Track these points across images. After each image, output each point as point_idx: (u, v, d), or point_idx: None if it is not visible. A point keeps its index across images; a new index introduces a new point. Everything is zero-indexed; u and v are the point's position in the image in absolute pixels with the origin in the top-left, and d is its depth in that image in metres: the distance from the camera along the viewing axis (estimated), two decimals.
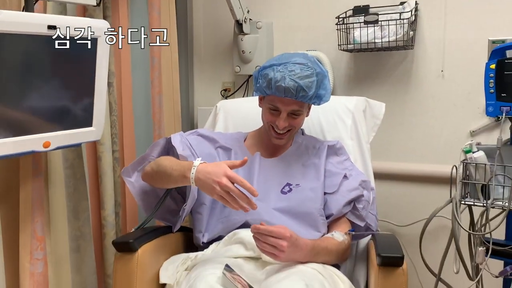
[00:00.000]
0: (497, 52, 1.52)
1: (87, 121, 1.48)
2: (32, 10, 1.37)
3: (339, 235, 1.57)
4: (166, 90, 2.12)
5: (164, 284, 1.56)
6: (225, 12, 2.31)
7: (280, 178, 1.68)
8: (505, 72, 1.49)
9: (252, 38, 2.36)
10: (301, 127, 1.85)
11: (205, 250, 1.61)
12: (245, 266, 1.44)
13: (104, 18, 1.78)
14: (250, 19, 2.35)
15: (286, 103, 1.60)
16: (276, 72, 1.57)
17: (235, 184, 1.39)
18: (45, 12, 1.54)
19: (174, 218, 1.71)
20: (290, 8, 2.36)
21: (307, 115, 1.72)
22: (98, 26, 1.43)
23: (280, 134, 1.66)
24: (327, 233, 1.61)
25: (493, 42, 1.94)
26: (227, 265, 1.35)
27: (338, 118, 1.92)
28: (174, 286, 1.51)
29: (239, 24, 2.33)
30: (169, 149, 1.72)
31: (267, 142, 1.75)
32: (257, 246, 1.39)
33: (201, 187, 1.45)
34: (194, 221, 1.69)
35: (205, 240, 1.64)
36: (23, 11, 1.38)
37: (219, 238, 1.62)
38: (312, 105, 1.72)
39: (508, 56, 1.51)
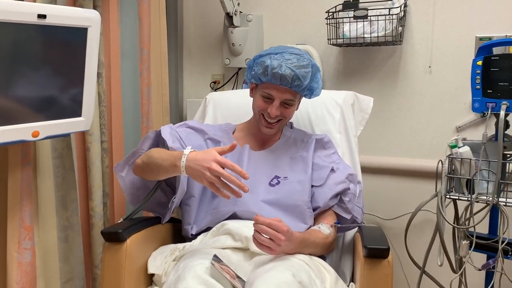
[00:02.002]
0: (484, 49, 1.54)
1: (76, 111, 1.48)
2: None
3: (325, 228, 1.59)
4: (155, 82, 2.12)
5: (152, 275, 1.57)
6: (215, 4, 2.32)
7: (269, 171, 1.69)
8: (491, 69, 1.51)
9: (242, 31, 2.36)
10: (290, 121, 1.86)
11: (193, 241, 1.62)
12: (233, 257, 1.45)
13: (94, 8, 1.77)
14: (240, 11, 2.35)
15: (281, 91, 1.62)
16: (273, 60, 1.61)
17: (225, 169, 1.40)
18: (35, 0, 1.53)
19: (163, 210, 1.72)
20: (280, 1, 2.37)
21: (296, 109, 1.73)
22: (88, 15, 1.42)
23: (271, 124, 1.68)
24: (314, 226, 1.63)
25: (480, 39, 1.97)
26: (215, 256, 1.36)
27: (326, 112, 1.94)
28: (162, 276, 1.52)
29: (229, 17, 2.33)
30: (159, 142, 1.73)
31: (256, 134, 1.76)
32: (254, 239, 1.39)
33: (191, 175, 1.45)
34: (183, 213, 1.70)
35: (193, 232, 1.65)
36: None
37: (207, 229, 1.63)
38: (302, 100, 1.74)
39: (494, 53, 1.54)
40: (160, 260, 1.57)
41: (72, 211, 1.68)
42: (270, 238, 1.38)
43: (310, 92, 1.69)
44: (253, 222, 1.40)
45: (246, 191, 1.40)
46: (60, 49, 1.39)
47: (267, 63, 1.61)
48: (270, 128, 1.69)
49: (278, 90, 1.62)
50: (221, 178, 1.39)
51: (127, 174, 1.71)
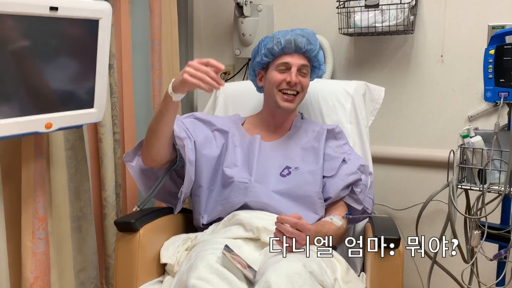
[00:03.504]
0: (497, 38, 1.52)
1: (88, 103, 1.49)
2: None
3: (337, 220, 1.59)
4: (166, 73, 2.13)
5: (165, 264, 1.59)
6: None
7: (280, 161, 1.69)
8: (504, 58, 1.49)
9: (253, 21, 2.35)
10: (300, 112, 1.86)
11: (204, 231, 1.63)
12: (244, 247, 1.46)
13: None
14: (250, 1, 2.34)
15: (296, 57, 1.69)
16: (282, 32, 1.70)
17: None
18: None
19: (174, 200, 1.73)
20: None
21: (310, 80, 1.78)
22: (99, 7, 1.43)
23: (290, 96, 1.69)
24: (326, 217, 1.63)
25: (493, 27, 1.95)
26: (226, 246, 1.37)
27: (337, 102, 1.93)
28: (174, 265, 1.54)
29: (239, 7, 2.32)
30: None
31: (268, 125, 1.77)
32: (275, 237, 1.38)
33: (176, 86, 1.47)
34: (193, 203, 1.72)
35: (204, 221, 1.66)
36: None
37: (219, 219, 1.64)
38: (310, 86, 1.76)
39: (507, 41, 1.52)
40: (173, 249, 1.59)
41: (85, 201, 1.70)
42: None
43: (319, 64, 1.76)
44: (264, 212, 1.41)
45: (222, 84, 1.42)
46: (72, 41, 1.39)
47: (277, 36, 1.69)
48: (289, 102, 1.71)
49: (293, 57, 1.69)
50: (196, 70, 1.41)
51: (137, 163, 1.73)
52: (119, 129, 1.91)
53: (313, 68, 1.75)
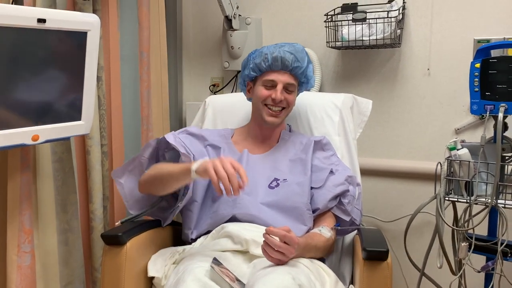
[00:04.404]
0: (482, 52, 1.55)
1: (76, 115, 1.49)
2: (21, 3, 1.37)
3: (326, 231, 1.59)
4: (154, 85, 2.13)
5: (152, 277, 1.57)
6: (214, 7, 2.32)
7: (268, 173, 1.69)
8: (490, 72, 1.52)
9: (241, 34, 2.37)
10: (289, 124, 1.87)
11: (193, 243, 1.63)
12: (233, 260, 1.45)
13: (94, 12, 1.78)
14: (239, 15, 2.35)
15: (282, 74, 1.69)
16: (271, 48, 1.70)
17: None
18: (34, 5, 1.54)
19: (163, 214, 1.72)
20: (279, 4, 2.37)
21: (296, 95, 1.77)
22: (87, 20, 1.43)
23: (275, 112, 1.70)
24: (314, 228, 1.63)
25: (478, 41, 1.98)
26: (215, 259, 1.37)
27: (325, 115, 1.94)
28: (162, 279, 1.53)
29: (228, 20, 2.34)
30: (159, 149, 1.73)
31: (256, 137, 1.77)
32: (264, 252, 1.38)
33: (200, 171, 1.43)
34: (184, 217, 1.70)
35: (193, 236, 1.66)
36: (12, 4, 1.38)
37: (207, 232, 1.63)
38: (299, 99, 1.77)
39: (492, 55, 1.54)
40: (160, 263, 1.58)
41: (72, 214, 1.68)
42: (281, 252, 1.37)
43: (307, 80, 1.76)
44: (252, 224, 1.40)
45: (236, 194, 1.39)
46: (60, 53, 1.39)
47: (265, 51, 1.69)
48: (275, 117, 1.71)
49: (280, 74, 1.69)
50: (224, 171, 1.37)
51: (126, 180, 1.72)
52: (107, 141, 1.90)
53: (300, 83, 1.76)
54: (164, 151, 1.73)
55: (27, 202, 1.49)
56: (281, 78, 1.69)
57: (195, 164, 1.45)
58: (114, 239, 1.53)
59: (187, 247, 1.62)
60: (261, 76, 1.71)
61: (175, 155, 1.69)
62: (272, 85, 1.69)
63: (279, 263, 1.38)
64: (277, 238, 1.37)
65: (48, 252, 1.60)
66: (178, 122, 2.55)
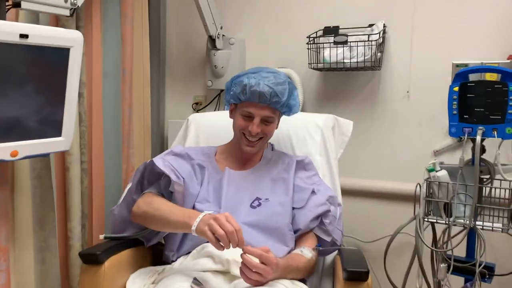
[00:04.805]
0: (460, 75, 1.58)
1: (56, 131, 1.47)
2: (3, 18, 1.35)
3: (307, 252, 1.59)
4: (136, 102, 2.12)
5: None
6: (198, 26, 2.34)
7: (250, 192, 1.69)
8: (468, 95, 1.55)
9: (225, 54, 2.38)
10: (271, 143, 1.87)
11: (173, 263, 1.61)
12: (213, 280, 1.44)
13: (77, 28, 1.78)
14: (223, 35, 2.37)
15: (260, 108, 1.65)
16: (251, 78, 1.64)
17: None
18: (17, 20, 1.53)
19: (148, 235, 1.69)
20: (263, 25, 2.40)
21: (276, 127, 1.75)
22: (70, 36, 1.42)
23: (252, 142, 1.69)
24: (296, 249, 1.62)
25: (457, 65, 2.02)
26: (195, 278, 1.35)
27: (307, 134, 1.96)
28: None
29: (212, 40, 2.35)
30: (144, 173, 1.71)
31: (237, 156, 1.77)
32: (241, 273, 1.37)
33: (198, 230, 1.40)
34: (167, 239, 1.68)
35: (174, 258, 1.63)
36: None
37: (188, 253, 1.61)
38: (282, 119, 1.76)
39: (470, 79, 1.58)
40: (139, 282, 1.55)
41: (50, 232, 1.65)
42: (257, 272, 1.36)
43: (289, 109, 1.72)
44: (235, 248, 1.39)
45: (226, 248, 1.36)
46: (42, 68, 1.38)
47: (245, 82, 1.64)
48: (251, 147, 1.70)
49: (257, 108, 1.65)
50: (222, 228, 1.35)
51: (120, 210, 1.70)
52: (87, 158, 1.88)
53: (282, 112, 1.74)
54: (150, 174, 1.71)
55: (3, 219, 1.46)
56: (259, 112, 1.65)
57: (195, 223, 1.41)
58: (92, 258, 1.50)
59: (167, 266, 1.60)
60: (241, 105, 1.68)
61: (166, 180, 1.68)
62: (250, 116, 1.67)
63: (257, 284, 1.37)
64: (255, 259, 1.36)
65: (24, 270, 1.56)
66: (159, 139, 2.54)
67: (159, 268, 1.61)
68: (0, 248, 1.45)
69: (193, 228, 1.40)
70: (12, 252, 1.50)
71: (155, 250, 1.77)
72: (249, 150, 1.71)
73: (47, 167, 1.64)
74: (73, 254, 1.79)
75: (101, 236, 1.64)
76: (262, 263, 1.36)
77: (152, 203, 1.59)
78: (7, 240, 1.47)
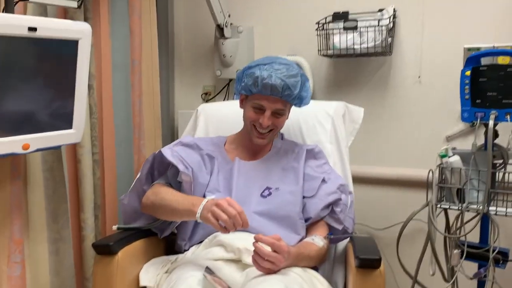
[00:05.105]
0: (472, 60, 1.56)
1: (67, 124, 1.48)
2: (12, 12, 1.36)
3: (319, 240, 1.58)
4: (146, 93, 2.12)
5: (144, 287, 1.56)
6: (206, 16, 2.33)
7: (260, 182, 1.69)
8: (480, 79, 1.53)
9: (233, 42, 2.37)
10: (281, 132, 1.87)
11: (185, 252, 1.62)
12: (225, 268, 1.44)
13: (85, 20, 1.78)
14: (231, 23, 2.36)
15: (271, 101, 1.63)
16: (263, 70, 1.61)
17: None
18: (25, 13, 1.53)
19: (161, 226, 1.69)
20: (271, 13, 2.38)
21: (287, 118, 1.74)
22: (79, 28, 1.43)
23: (262, 134, 1.68)
24: (307, 237, 1.62)
25: (469, 49, 1.99)
26: (207, 268, 1.36)
27: (317, 123, 1.95)
28: None
29: (220, 29, 2.34)
30: (154, 164, 1.72)
31: (247, 145, 1.76)
32: (254, 261, 1.37)
33: (202, 217, 1.42)
34: (179, 229, 1.69)
35: (187, 248, 1.64)
36: (2, 12, 1.37)
37: (200, 242, 1.62)
38: (292, 109, 1.75)
39: (482, 63, 1.56)
40: (152, 272, 1.57)
41: (63, 223, 1.67)
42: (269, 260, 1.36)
43: (300, 101, 1.71)
44: (245, 233, 1.39)
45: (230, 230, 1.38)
46: (51, 61, 1.39)
47: (256, 74, 1.62)
48: (262, 139, 1.70)
49: (269, 101, 1.63)
50: (225, 213, 1.37)
51: (129, 200, 1.71)
52: (99, 150, 1.89)
53: (293, 104, 1.73)
54: (160, 165, 1.72)
55: (17, 212, 1.48)
56: (271, 105, 1.63)
57: (199, 210, 1.42)
58: (105, 249, 1.52)
59: (179, 256, 1.61)
60: (252, 97, 1.66)
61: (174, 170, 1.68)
62: (260, 109, 1.65)
63: (269, 272, 1.38)
64: (267, 247, 1.37)
65: (39, 262, 1.58)
66: (170, 130, 2.54)
67: (172, 257, 1.62)
68: (14, 241, 1.47)
69: (197, 215, 1.42)
70: (27, 244, 1.52)
71: (168, 240, 1.78)
72: (259, 142, 1.71)
73: (59, 159, 1.66)
74: (86, 245, 1.81)
75: (114, 227, 1.66)
76: (274, 251, 1.37)
77: (159, 193, 1.60)
78: (21, 232, 1.49)
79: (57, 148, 1.56)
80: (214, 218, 1.38)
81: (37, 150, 1.40)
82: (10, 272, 1.46)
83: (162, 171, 1.72)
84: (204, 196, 1.62)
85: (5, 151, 1.31)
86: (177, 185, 1.68)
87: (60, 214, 1.66)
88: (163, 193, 1.60)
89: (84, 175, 1.80)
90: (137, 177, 1.73)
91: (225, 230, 1.38)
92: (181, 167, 1.61)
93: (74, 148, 1.80)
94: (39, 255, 1.58)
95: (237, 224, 1.36)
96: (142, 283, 1.55)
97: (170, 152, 1.65)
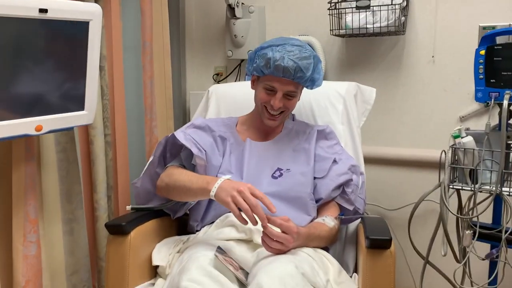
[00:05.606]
0: (487, 38, 1.53)
1: (79, 105, 1.49)
2: None
3: (330, 220, 1.59)
4: (157, 75, 2.12)
5: (157, 266, 1.58)
6: None
7: (271, 163, 1.69)
8: (495, 58, 1.50)
9: (244, 23, 2.35)
10: (293, 113, 1.86)
11: (197, 232, 1.63)
12: (237, 248, 1.46)
13: (96, 1, 1.77)
14: (242, 3, 2.34)
15: (283, 83, 1.62)
16: (275, 52, 1.60)
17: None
18: None
19: (174, 207, 1.71)
20: None
21: (298, 99, 1.73)
22: (89, 9, 1.42)
23: (274, 116, 1.68)
24: (318, 218, 1.63)
25: (484, 28, 1.96)
26: (218, 247, 1.37)
27: (329, 103, 1.94)
28: (166, 268, 1.54)
29: (231, 8, 2.32)
30: (166, 147, 1.73)
31: (259, 127, 1.76)
32: (263, 242, 1.38)
33: (218, 198, 1.41)
34: (191, 210, 1.70)
35: (199, 228, 1.66)
36: None
37: (212, 223, 1.64)
38: (303, 90, 1.74)
39: (498, 42, 1.53)
40: (165, 252, 1.59)
41: (77, 204, 1.69)
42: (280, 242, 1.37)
43: (312, 83, 1.69)
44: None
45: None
46: (62, 43, 1.39)
47: (269, 55, 1.60)
48: (273, 120, 1.70)
49: (281, 82, 1.62)
50: (246, 202, 1.36)
51: (142, 183, 1.73)
52: (111, 131, 1.90)
53: (305, 86, 1.71)
54: (172, 147, 1.72)
55: (32, 192, 1.50)
56: (282, 87, 1.62)
57: (214, 188, 1.42)
58: (118, 229, 1.54)
59: (191, 236, 1.63)
60: (263, 78, 1.65)
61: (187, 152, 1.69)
62: (272, 90, 1.64)
63: (279, 253, 1.38)
64: (277, 228, 1.37)
65: (54, 241, 1.61)
66: (181, 111, 2.55)
67: (184, 237, 1.64)
68: (30, 220, 1.49)
69: (212, 193, 1.42)
70: (42, 224, 1.54)
71: (180, 220, 1.80)
72: (271, 123, 1.70)
73: (72, 140, 1.67)
74: (100, 225, 1.83)
75: (128, 207, 1.68)
76: (284, 232, 1.37)
77: (173, 175, 1.61)
78: (36, 212, 1.51)
79: (70, 129, 1.57)
80: (234, 204, 1.36)
81: (50, 131, 1.42)
82: (26, 251, 1.48)
83: (175, 153, 1.73)
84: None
85: (18, 133, 1.32)
86: (191, 167, 1.69)
87: (73, 195, 1.68)
88: (177, 174, 1.61)
89: (96, 156, 1.81)
90: (149, 160, 1.74)
91: (244, 220, 1.37)
92: (195, 150, 1.62)
93: (86, 129, 1.81)
94: (54, 235, 1.61)
95: (258, 215, 1.34)
96: (154, 263, 1.57)
97: (183, 136, 1.66)
